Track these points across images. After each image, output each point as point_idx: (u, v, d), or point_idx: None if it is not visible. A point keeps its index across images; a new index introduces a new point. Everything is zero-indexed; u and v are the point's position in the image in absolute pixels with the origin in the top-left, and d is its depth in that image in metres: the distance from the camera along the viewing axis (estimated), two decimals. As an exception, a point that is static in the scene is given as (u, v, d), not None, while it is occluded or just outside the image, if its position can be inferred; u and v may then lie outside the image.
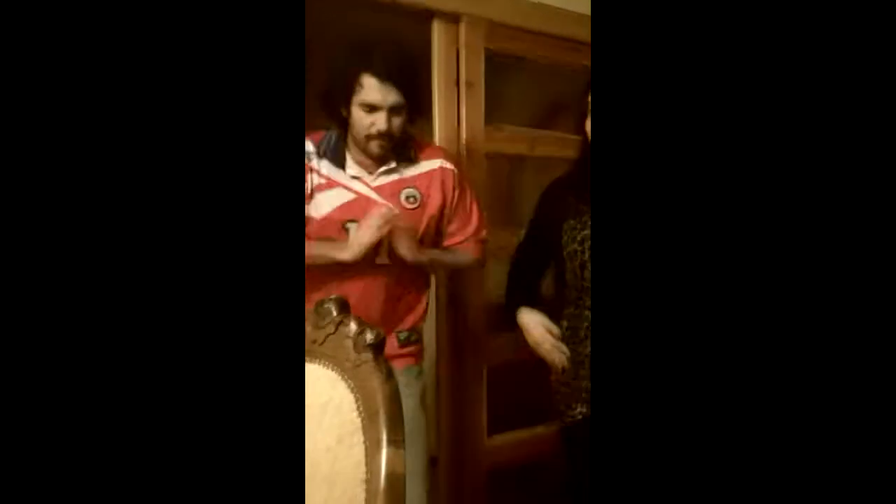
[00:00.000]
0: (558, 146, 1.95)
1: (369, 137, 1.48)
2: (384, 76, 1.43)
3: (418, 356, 1.65)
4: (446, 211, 1.60)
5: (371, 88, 1.44)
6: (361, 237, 1.44)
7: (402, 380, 1.50)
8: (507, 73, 2.11)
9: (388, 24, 1.89)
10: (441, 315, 1.95)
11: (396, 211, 1.49)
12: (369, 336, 0.95)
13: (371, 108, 1.45)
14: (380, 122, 1.45)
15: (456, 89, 1.95)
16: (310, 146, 1.53)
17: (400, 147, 1.54)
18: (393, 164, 1.55)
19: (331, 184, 1.52)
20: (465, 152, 1.95)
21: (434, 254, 1.60)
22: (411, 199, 1.55)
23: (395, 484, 0.83)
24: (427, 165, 1.59)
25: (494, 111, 2.03)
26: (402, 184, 1.55)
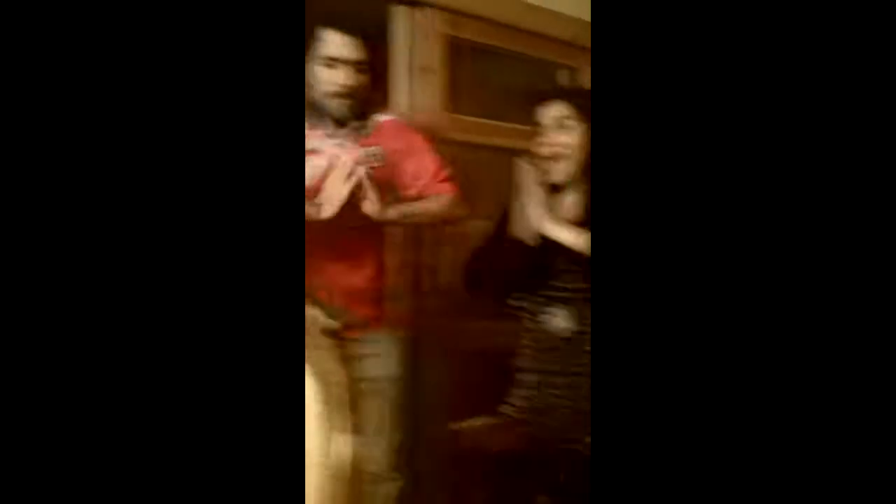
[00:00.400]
0: (518, 137, 1.96)
1: (331, 95, 1.42)
2: (347, 29, 1.39)
3: (397, 321, 1.61)
4: (398, 159, 1.54)
5: (333, 42, 1.39)
6: (331, 193, 1.37)
7: (381, 346, 1.52)
8: (468, 61, 2.11)
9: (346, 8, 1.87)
10: (412, 299, 1.94)
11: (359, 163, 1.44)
12: (333, 323, 0.94)
13: (332, 63, 1.40)
14: (343, 77, 1.40)
15: (415, 75, 1.94)
16: None
17: (357, 108, 1.49)
18: (354, 124, 1.49)
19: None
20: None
21: (402, 208, 1.50)
22: (375, 157, 1.49)
23: (356, 468, 0.84)
24: (380, 120, 1.55)
25: (454, 99, 2.03)
26: (365, 143, 1.49)
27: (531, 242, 1.42)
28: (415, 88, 1.94)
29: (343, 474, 0.84)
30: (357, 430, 0.86)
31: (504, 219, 1.56)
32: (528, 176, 1.44)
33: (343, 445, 0.86)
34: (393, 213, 1.45)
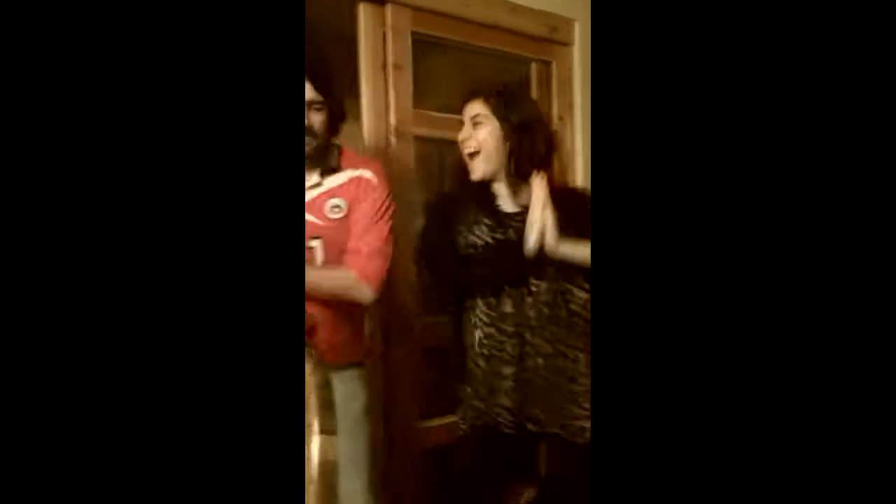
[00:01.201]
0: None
1: None
2: None
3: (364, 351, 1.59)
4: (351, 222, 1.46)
5: None
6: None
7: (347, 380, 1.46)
8: (434, 57, 2.12)
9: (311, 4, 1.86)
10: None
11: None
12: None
13: None
14: None
15: (383, 73, 1.94)
16: None
17: (324, 157, 1.45)
18: (316, 178, 1.45)
19: None
20: (393, 135, 1.95)
21: (312, 275, 1.35)
22: (336, 209, 1.45)
23: (327, 471, 0.84)
24: (349, 174, 1.47)
25: (422, 95, 2.03)
26: (328, 194, 1.45)
27: (531, 255, 1.45)
28: (381, 85, 1.94)
29: (317, 475, 0.85)
30: (328, 430, 0.87)
31: (439, 216, 1.59)
32: (543, 189, 1.47)
33: (316, 446, 0.86)
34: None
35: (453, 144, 2.07)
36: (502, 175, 1.55)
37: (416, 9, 1.98)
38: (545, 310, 1.50)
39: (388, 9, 1.93)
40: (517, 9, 2.19)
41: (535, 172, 1.51)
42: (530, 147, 1.52)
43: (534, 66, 2.34)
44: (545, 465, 1.83)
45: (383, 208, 1.47)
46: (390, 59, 1.94)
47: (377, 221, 1.46)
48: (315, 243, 1.44)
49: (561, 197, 1.51)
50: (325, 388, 0.90)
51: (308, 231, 1.42)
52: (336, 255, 1.45)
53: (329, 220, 1.44)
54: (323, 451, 0.85)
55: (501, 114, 1.52)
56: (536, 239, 1.46)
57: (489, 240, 1.52)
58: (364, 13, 1.92)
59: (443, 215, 1.60)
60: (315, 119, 1.40)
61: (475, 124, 1.53)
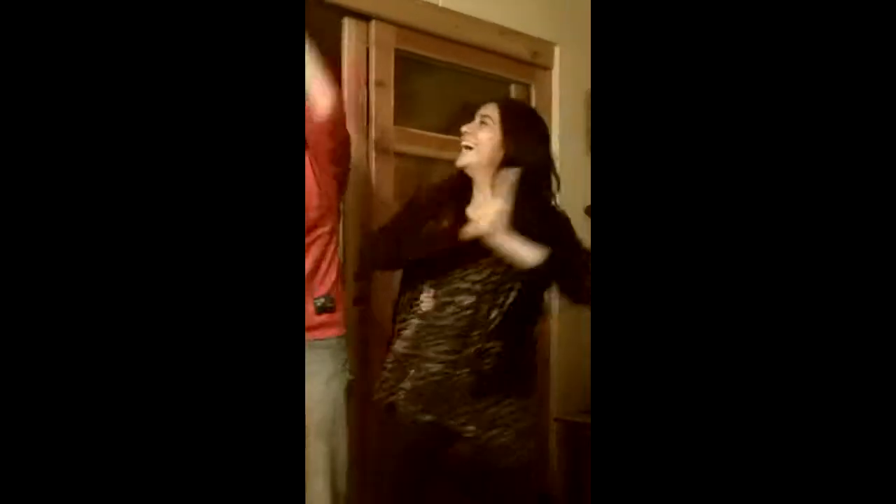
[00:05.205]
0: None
1: None
2: None
3: (340, 325, 1.55)
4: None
5: None
6: None
7: (322, 353, 1.46)
8: (416, 75, 2.13)
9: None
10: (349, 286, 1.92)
11: None
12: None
13: None
14: None
15: (366, 88, 1.95)
16: None
17: None
18: None
19: None
20: (374, 151, 1.95)
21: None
22: None
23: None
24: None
25: (404, 112, 2.04)
26: None
27: (467, 238, 1.43)
28: (364, 101, 1.95)
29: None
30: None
31: (416, 204, 1.59)
32: (508, 182, 1.46)
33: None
34: None
35: (434, 162, 2.09)
36: (486, 181, 1.55)
37: (401, 26, 1.99)
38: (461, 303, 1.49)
39: (373, 25, 1.95)
40: (500, 31, 2.22)
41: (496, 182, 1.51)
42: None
43: (513, 88, 2.36)
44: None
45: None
46: (373, 76, 1.95)
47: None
48: None
49: (531, 208, 1.50)
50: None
51: None
52: None
53: None
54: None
55: (507, 124, 1.53)
56: (479, 226, 1.43)
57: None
58: (348, 28, 1.92)
59: (416, 205, 1.60)
60: None
61: (482, 123, 1.55)
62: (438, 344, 1.48)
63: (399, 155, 2.02)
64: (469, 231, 1.44)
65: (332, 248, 1.55)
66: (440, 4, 2.06)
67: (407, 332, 1.51)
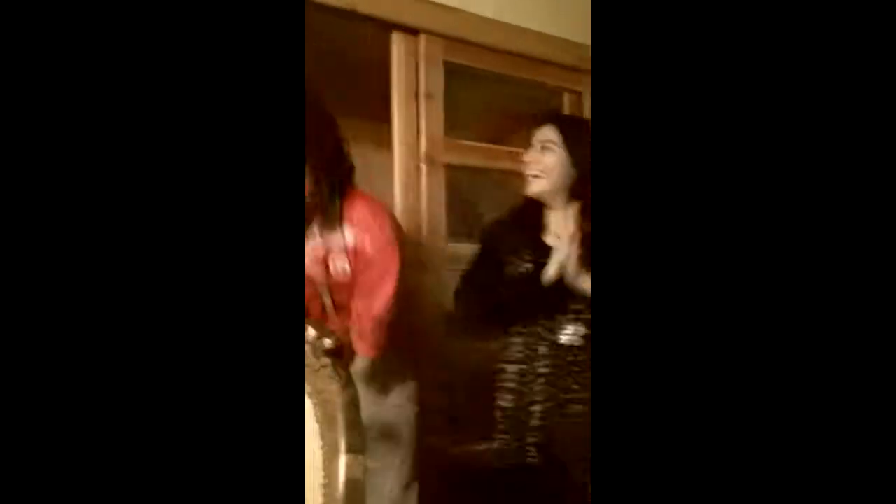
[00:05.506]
0: (516, 160, 1.97)
1: None
2: None
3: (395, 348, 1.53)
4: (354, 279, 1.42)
5: None
6: None
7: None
8: (466, 87, 2.14)
9: (347, 32, 1.90)
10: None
11: None
12: (327, 342, 0.94)
13: None
14: None
15: (415, 101, 1.96)
16: None
17: (323, 209, 1.40)
18: (314, 229, 1.40)
19: None
20: (424, 163, 1.96)
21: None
22: (342, 271, 1.42)
23: (354, 490, 0.83)
24: (351, 229, 1.41)
25: (454, 124, 2.05)
26: (330, 252, 1.41)
27: (547, 283, 1.43)
28: (414, 113, 1.96)
29: (343, 494, 0.83)
30: (355, 449, 0.85)
31: (492, 243, 1.57)
32: (575, 221, 1.46)
33: (342, 464, 0.85)
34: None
35: (484, 172, 2.08)
36: (560, 204, 1.54)
37: (449, 38, 2.00)
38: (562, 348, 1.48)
39: (422, 38, 1.96)
40: (548, 39, 2.20)
41: (572, 202, 1.50)
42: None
43: (566, 97, 2.34)
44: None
45: (389, 262, 1.43)
46: (422, 89, 1.96)
47: (382, 278, 1.42)
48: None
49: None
50: (352, 405, 0.89)
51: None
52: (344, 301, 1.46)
53: (334, 280, 1.43)
54: (349, 469, 0.84)
55: (571, 144, 1.51)
56: (556, 269, 1.43)
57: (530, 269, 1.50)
58: (397, 42, 1.94)
59: (492, 243, 1.58)
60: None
61: (543, 148, 1.53)
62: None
63: (449, 167, 2.02)
64: (551, 277, 1.43)
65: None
66: (487, 16, 2.06)
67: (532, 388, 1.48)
